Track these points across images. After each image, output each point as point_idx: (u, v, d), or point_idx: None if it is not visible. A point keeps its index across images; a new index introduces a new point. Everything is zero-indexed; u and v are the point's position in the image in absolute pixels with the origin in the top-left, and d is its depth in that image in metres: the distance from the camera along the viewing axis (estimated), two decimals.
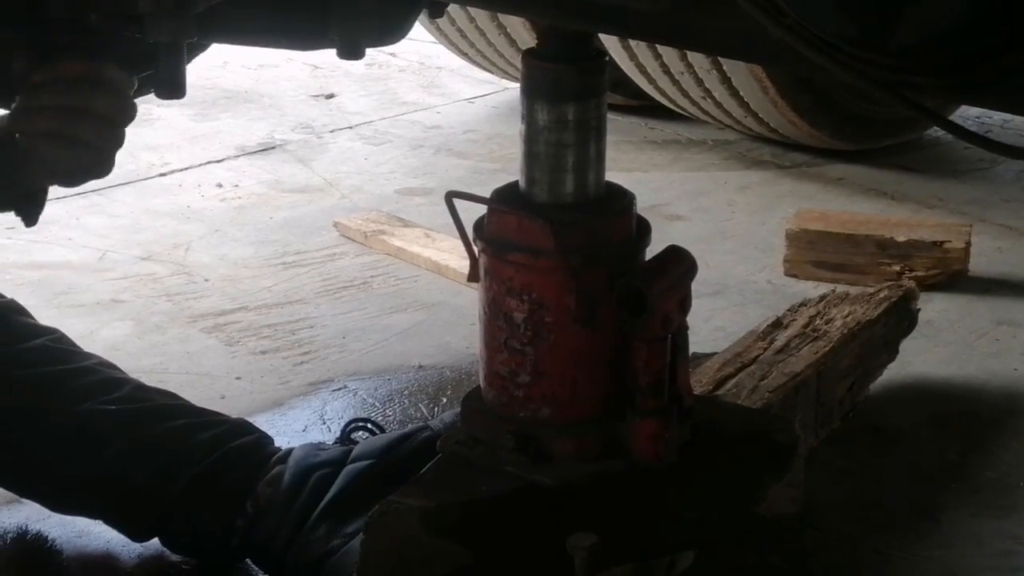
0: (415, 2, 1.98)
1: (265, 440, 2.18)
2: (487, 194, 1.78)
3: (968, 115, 4.23)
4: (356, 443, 2.18)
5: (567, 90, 1.71)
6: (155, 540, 2.15)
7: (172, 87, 1.83)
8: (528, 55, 1.75)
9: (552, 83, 1.72)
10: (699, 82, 3.84)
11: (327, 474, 2.07)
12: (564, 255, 1.70)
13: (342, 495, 2.04)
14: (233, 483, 2.09)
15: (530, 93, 1.74)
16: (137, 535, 2.15)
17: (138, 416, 2.13)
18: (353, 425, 2.23)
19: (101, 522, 2.17)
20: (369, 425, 2.24)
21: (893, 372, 2.69)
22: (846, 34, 1.15)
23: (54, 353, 2.19)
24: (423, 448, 2.05)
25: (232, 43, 2.05)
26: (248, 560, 2.12)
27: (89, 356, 2.24)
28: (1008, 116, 4.14)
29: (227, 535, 2.08)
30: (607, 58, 1.77)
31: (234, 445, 2.12)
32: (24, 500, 2.28)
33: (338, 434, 2.31)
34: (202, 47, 2.14)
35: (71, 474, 2.11)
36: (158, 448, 2.10)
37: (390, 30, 1.97)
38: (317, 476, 2.06)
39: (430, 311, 3.09)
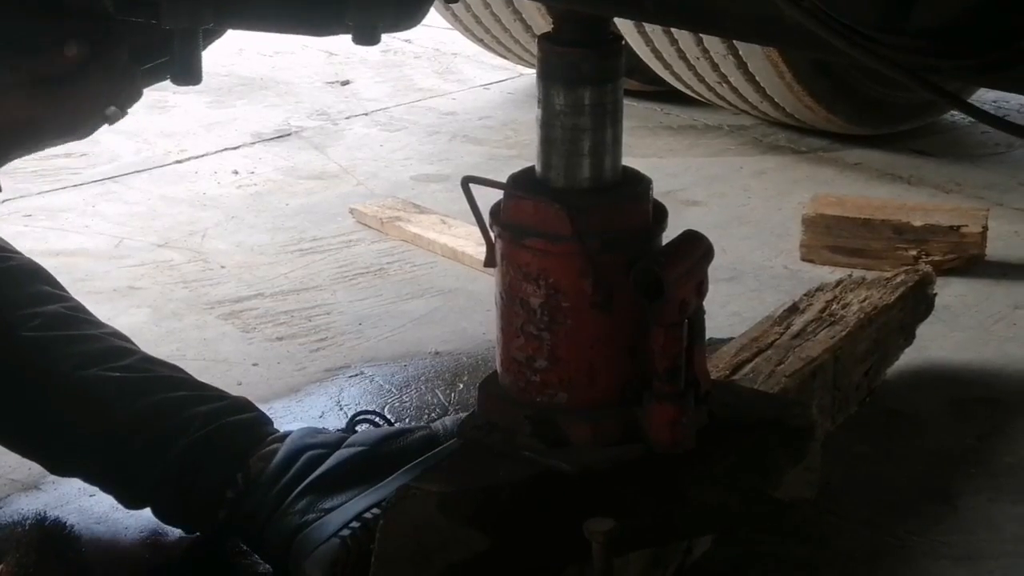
0: None
1: (263, 419, 2.20)
2: (503, 180, 1.79)
3: (985, 99, 4.21)
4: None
5: (583, 74, 1.72)
6: (177, 531, 2.16)
7: (188, 74, 1.83)
8: (544, 39, 1.75)
9: (568, 67, 1.72)
10: (715, 67, 3.83)
11: (319, 455, 2.08)
12: (581, 240, 1.70)
13: (327, 474, 2.05)
14: (226, 455, 2.10)
15: (546, 78, 1.74)
16: (132, 502, 2.18)
17: (141, 384, 2.16)
18: (361, 417, 2.24)
19: (98, 488, 2.20)
20: (376, 418, 2.24)
21: (910, 357, 2.69)
22: (864, 17, 1.14)
23: (66, 319, 2.22)
24: (417, 446, 2.06)
25: (248, 29, 2.05)
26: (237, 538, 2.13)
27: (102, 325, 2.27)
28: None
29: (216, 507, 2.09)
30: (623, 42, 1.77)
31: (231, 420, 2.14)
32: (42, 486, 2.29)
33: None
34: (218, 33, 2.14)
35: (72, 436, 2.14)
36: (157, 415, 2.12)
37: (406, 15, 1.96)
38: (308, 456, 2.08)
39: (446, 297, 3.09)
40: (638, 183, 1.79)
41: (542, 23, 3.99)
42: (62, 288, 2.32)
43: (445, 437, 2.06)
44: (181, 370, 2.26)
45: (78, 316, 2.25)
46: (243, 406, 2.20)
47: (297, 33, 2.00)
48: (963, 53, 1.15)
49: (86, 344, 2.19)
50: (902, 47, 1.15)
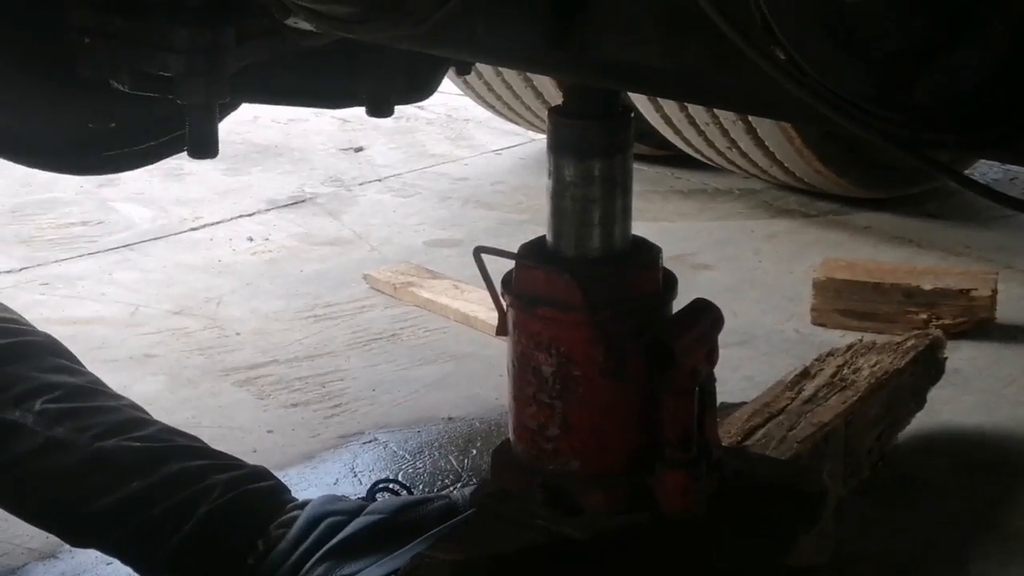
0: (442, 61, 2.01)
1: (282, 488, 2.22)
2: (516, 246, 1.81)
3: (993, 163, 4.23)
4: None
5: (593, 146, 1.74)
6: None
7: (204, 147, 1.86)
8: (554, 112, 1.77)
9: (578, 140, 1.74)
10: (725, 132, 3.86)
11: (338, 522, 2.10)
12: (592, 309, 1.72)
13: (346, 542, 2.07)
14: (247, 523, 2.12)
15: (557, 149, 1.76)
16: (151, 571, 2.18)
17: (160, 453, 2.18)
18: (381, 485, 2.25)
19: (116, 559, 2.21)
20: (395, 486, 2.26)
21: (921, 421, 2.70)
22: (866, 93, 1.17)
23: (83, 391, 2.25)
24: (435, 515, 2.08)
25: (263, 103, 2.08)
26: None
27: (119, 397, 2.29)
28: None
29: (237, 574, 2.10)
30: (632, 114, 1.80)
31: (251, 488, 2.16)
32: (59, 555, 2.30)
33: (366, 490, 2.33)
34: (234, 106, 2.18)
35: (89, 506, 2.15)
36: (176, 485, 2.14)
37: (418, 88, 2.00)
38: (327, 523, 2.09)
39: (459, 362, 3.10)
40: (648, 252, 1.81)
41: (553, 90, 4.03)
42: (77, 361, 2.34)
43: (464, 506, 2.08)
44: (198, 439, 2.27)
45: (95, 388, 2.28)
46: (261, 474, 2.22)
47: (312, 106, 2.04)
48: (964, 128, 1.17)
49: (104, 415, 2.21)
50: (903, 122, 1.17)
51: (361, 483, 2.57)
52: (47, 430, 2.17)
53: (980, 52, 1.09)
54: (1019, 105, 1.15)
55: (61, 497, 2.17)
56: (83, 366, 2.34)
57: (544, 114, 1.81)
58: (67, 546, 2.29)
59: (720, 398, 1.86)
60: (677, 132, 3.99)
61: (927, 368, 2.69)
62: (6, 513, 2.22)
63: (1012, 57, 1.09)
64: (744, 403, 2.48)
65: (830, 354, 2.64)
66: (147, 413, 2.29)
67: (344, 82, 1.90)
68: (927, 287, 3.21)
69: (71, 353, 2.35)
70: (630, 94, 3.65)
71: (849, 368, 2.56)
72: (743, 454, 2.09)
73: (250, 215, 4.09)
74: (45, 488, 2.17)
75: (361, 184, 4.40)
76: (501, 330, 1.83)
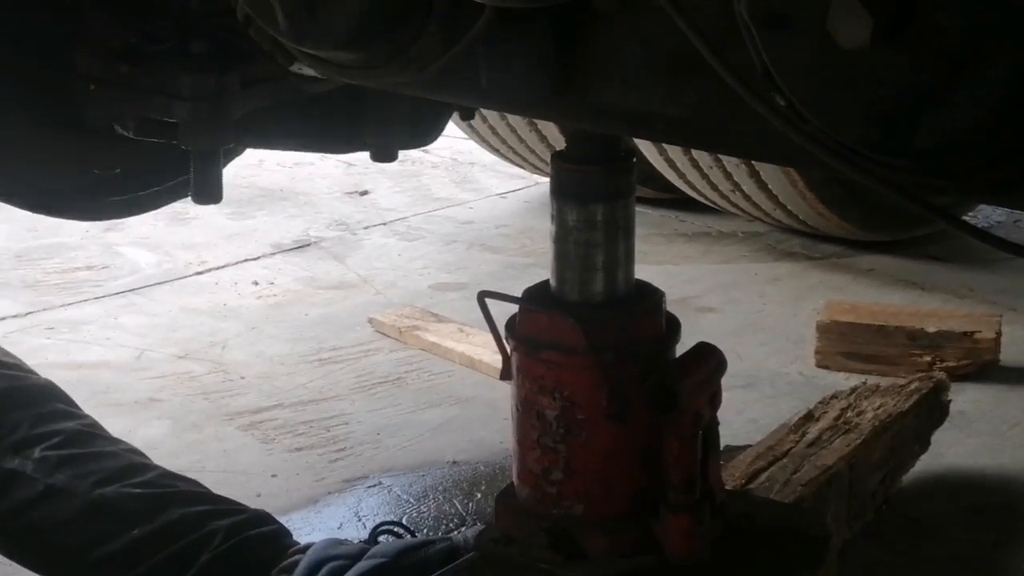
0: (445, 107, 2.03)
1: (283, 532, 2.22)
2: (520, 289, 1.81)
3: (996, 206, 4.23)
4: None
5: (596, 192, 1.75)
6: None
7: (207, 193, 1.87)
8: (557, 157, 1.78)
9: (581, 185, 1.75)
10: (728, 176, 3.87)
11: (340, 566, 2.10)
12: (595, 353, 1.72)
13: None
14: (249, 568, 2.11)
15: (559, 194, 1.77)
16: None
17: (161, 499, 2.18)
18: (383, 527, 2.25)
19: None
20: (398, 529, 2.26)
21: (926, 463, 2.70)
22: (866, 139, 1.17)
23: (82, 436, 2.25)
24: (437, 558, 2.08)
25: (267, 148, 2.09)
26: None
27: (118, 442, 2.30)
28: None
29: None
30: (635, 159, 1.81)
31: (253, 533, 2.16)
32: None
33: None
34: (238, 151, 2.19)
35: (91, 554, 2.15)
36: (177, 532, 2.14)
37: (422, 133, 2.01)
38: (329, 567, 2.09)
39: (464, 406, 3.11)
40: (651, 296, 1.82)
41: (556, 134, 4.04)
42: (76, 406, 2.34)
43: (466, 549, 2.08)
44: (200, 484, 2.27)
45: (94, 433, 2.28)
46: (263, 519, 2.22)
47: (316, 151, 2.05)
48: (965, 173, 1.18)
49: (104, 461, 2.22)
50: (904, 168, 1.18)
51: (365, 527, 2.57)
52: (47, 477, 2.17)
53: (978, 97, 1.09)
54: (1018, 150, 1.15)
55: (62, 545, 2.17)
56: (81, 409, 2.34)
57: (548, 157, 1.82)
58: None
59: (724, 441, 1.87)
60: (681, 175, 4.00)
61: (931, 411, 2.69)
62: (8, 560, 2.22)
63: (1010, 102, 1.10)
64: (748, 446, 2.48)
65: (834, 397, 2.65)
66: (147, 457, 2.29)
67: (348, 127, 1.91)
68: (931, 330, 3.21)
69: (69, 397, 2.35)
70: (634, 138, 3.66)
71: (853, 411, 2.56)
72: (747, 497, 2.09)
73: (255, 259, 4.10)
74: (46, 536, 2.17)
75: (366, 228, 4.42)
76: (505, 374, 1.83)
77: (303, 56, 1.58)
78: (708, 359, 1.79)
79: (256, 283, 3.89)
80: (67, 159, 2.17)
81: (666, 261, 4.03)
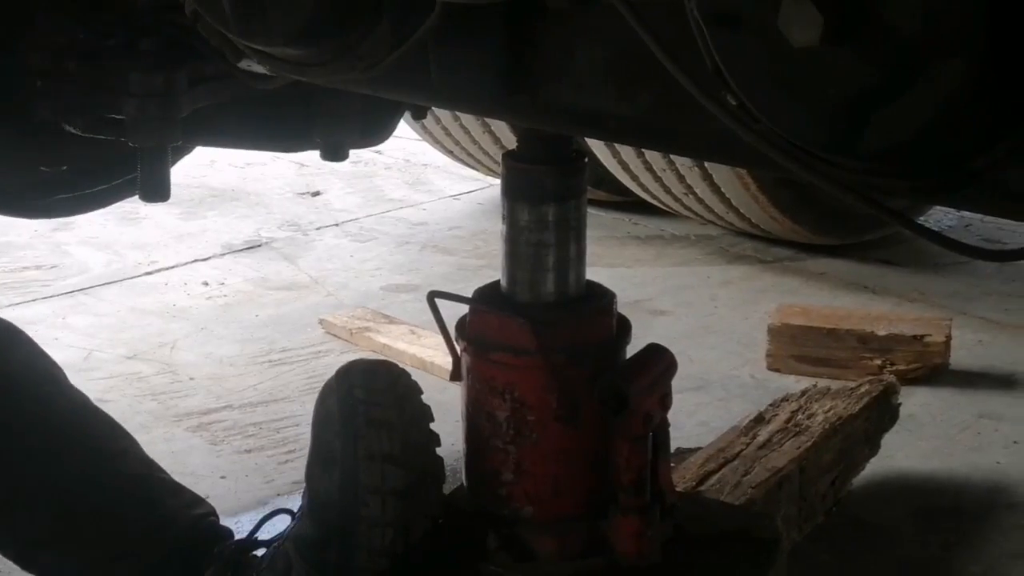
0: (397, 105, 2.01)
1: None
2: (472, 291, 1.80)
3: (947, 210, 4.26)
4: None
5: (547, 191, 1.74)
6: None
7: (155, 191, 1.85)
8: (508, 157, 1.77)
9: (532, 185, 1.74)
10: (681, 179, 3.88)
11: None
12: (545, 354, 1.72)
13: None
14: None
15: (511, 194, 1.76)
16: None
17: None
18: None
19: None
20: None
21: (876, 466, 2.70)
22: (816, 139, 1.17)
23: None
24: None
25: (217, 146, 2.08)
26: None
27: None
28: None
29: None
30: (586, 159, 1.80)
31: None
32: None
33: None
34: (187, 150, 2.17)
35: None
36: None
37: (373, 132, 2.00)
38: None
39: None
40: (602, 297, 1.81)
41: (510, 135, 4.04)
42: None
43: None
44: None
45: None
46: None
47: (266, 150, 2.03)
48: (916, 173, 1.18)
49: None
50: (854, 168, 1.17)
51: None
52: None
53: (929, 98, 1.09)
54: (968, 151, 1.15)
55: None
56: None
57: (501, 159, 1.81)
58: None
59: (675, 443, 1.86)
60: (634, 178, 4.00)
61: (881, 414, 2.69)
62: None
63: (961, 103, 1.09)
64: (699, 448, 2.48)
65: (785, 399, 2.65)
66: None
67: (298, 126, 1.90)
68: (881, 333, 3.22)
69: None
70: (587, 140, 3.66)
71: (803, 414, 2.56)
72: (698, 499, 2.09)
73: (205, 259, 4.07)
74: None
75: (318, 228, 4.40)
76: (455, 375, 1.83)
77: (252, 52, 1.57)
78: (658, 361, 1.79)
79: (206, 283, 3.87)
80: (14, 156, 2.15)
81: (619, 264, 4.02)
